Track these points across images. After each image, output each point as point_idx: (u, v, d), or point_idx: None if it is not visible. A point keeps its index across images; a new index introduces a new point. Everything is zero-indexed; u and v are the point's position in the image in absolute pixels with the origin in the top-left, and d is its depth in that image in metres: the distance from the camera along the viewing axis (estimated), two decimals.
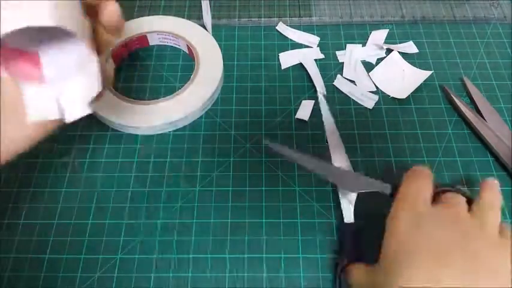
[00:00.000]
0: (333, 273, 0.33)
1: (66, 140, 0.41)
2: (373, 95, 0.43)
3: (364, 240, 0.33)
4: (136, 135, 0.41)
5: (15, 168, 0.39)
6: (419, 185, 0.29)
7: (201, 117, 0.42)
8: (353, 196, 0.34)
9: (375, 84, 0.44)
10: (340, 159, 0.38)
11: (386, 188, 0.31)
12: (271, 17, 0.51)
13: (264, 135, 0.41)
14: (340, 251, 0.34)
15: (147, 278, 0.34)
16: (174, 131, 0.42)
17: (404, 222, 0.26)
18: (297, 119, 0.42)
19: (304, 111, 0.43)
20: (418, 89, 0.44)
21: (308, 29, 0.50)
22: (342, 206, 0.34)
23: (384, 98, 0.44)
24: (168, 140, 0.41)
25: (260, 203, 0.37)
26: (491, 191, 0.29)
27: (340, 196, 0.35)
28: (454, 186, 0.30)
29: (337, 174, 0.33)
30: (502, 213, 0.37)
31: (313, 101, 0.43)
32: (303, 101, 0.43)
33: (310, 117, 0.42)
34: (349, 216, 0.34)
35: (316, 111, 0.42)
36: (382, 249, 0.27)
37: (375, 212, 0.30)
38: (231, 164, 0.39)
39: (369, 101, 0.43)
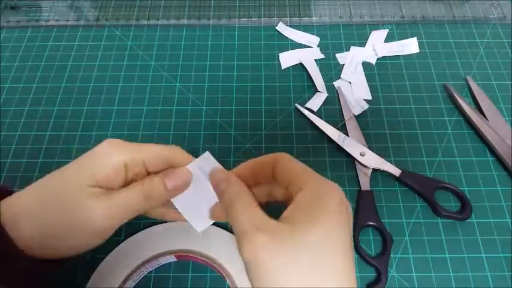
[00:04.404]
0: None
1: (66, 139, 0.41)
2: (365, 103, 0.43)
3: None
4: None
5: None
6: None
7: (201, 117, 0.43)
8: (369, 170, 0.38)
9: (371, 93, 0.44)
10: (357, 139, 0.40)
11: (396, 171, 0.38)
12: (271, 17, 0.51)
13: (264, 135, 0.41)
14: (357, 214, 0.36)
15: (147, 278, 0.34)
16: (174, 131, 0.42)
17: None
18: (299, 115, 0.42)
19: (315, 102, 0.43)
20: (418, 89, 0.44)
21: (308, 29, 0.50)
22: (359, 177, 0.38)
23: (383, 97, 0.44)
24: (168, 140, 0.41)
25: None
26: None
27: (357, 169, 0.39)
28: None
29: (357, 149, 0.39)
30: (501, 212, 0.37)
31: (326, 95, 0.43)
32: (317, 92, 0.43)
33: (306, 125, 0.42)
34: (365, 185, 0.38)
35: (317, 111, 0.42)
36: None
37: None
38: (231, 164, 0.39)
39: (358, 108, 0.43)
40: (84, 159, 0.25)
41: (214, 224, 0.30)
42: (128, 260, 0.33)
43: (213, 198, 0.26)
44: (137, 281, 0.34)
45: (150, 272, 0.34)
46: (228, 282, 0.33)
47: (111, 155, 0.25)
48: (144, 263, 0.33)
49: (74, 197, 0.23)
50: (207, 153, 0.28)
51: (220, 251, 0.33)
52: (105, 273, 0.33)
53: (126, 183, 0.26)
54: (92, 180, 0.24)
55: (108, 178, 0.24)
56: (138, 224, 0.36)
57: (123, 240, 0.34)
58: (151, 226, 0.35)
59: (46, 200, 0.24)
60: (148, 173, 0.27)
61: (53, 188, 0.24)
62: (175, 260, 0.35)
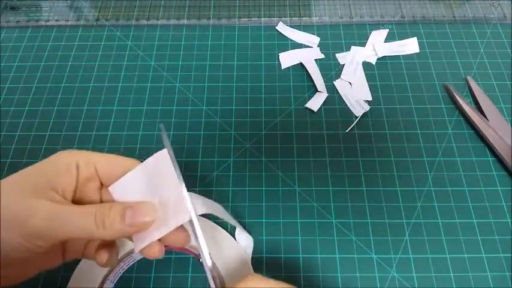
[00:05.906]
0: None
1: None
2: (365, 103, 0.43)
3: None
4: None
5: None
6: None
7: (201, 117, 0.43)
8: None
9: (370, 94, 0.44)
10: None
11: None
12: (271, 17, 0.51)
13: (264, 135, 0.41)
14: None
15: (147, 278, 0.34)
16: (174, 131, 0.42)
17: None
18: (299, 115, 0.42)
19: (315, 102, 0.43)
20: (418, 89, 0.44)
21: (308, 29, 0.50)
22: None
23: (383, 97, 0.44)
24: (168, 140, 0.41)
25: (260, 203, 0.37)
26: None
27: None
28: None
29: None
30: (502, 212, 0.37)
31: (327, 95, 0.43)
32: (317, 92, 0.43)
33: (306, 125, 0.42)
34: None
35: (317, 111, 0.42)
36: None
37: None
38: (231, 164, 0.39)
39: (359, 109, 0.43)
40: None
41: None
42: None
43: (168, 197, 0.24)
44: (114, 281, 0.34)
45: (129, 272, 0.34)
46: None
47: (62, 157, 0.25)
48: (118, 262, 0.33)
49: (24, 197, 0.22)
50: (165, 151, 0.26)
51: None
52: (84, 273, 0.33)
53: (77, 191, 0.24)
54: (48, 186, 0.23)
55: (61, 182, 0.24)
56: None
57: None
58: None
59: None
60: (102, 185, 0.26)
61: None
62: None
